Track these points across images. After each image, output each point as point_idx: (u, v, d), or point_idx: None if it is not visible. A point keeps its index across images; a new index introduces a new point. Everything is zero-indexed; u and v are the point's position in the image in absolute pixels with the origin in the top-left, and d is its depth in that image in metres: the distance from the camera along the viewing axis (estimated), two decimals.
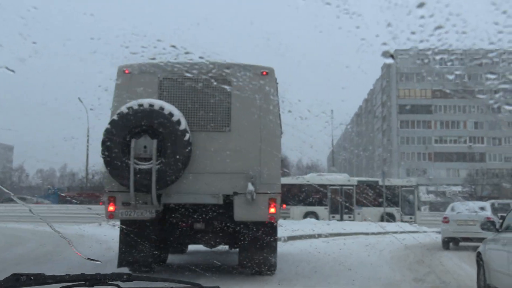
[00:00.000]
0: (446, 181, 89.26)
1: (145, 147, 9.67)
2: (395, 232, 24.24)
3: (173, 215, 10.47)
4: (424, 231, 29.77)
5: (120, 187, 9.84)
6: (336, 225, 29.13)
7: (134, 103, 9.66)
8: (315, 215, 36.81)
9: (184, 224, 10.67)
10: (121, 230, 10.60)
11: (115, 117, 9.65)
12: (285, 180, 38.77)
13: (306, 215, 36.81)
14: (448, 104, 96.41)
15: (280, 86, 10.95)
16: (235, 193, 10.07)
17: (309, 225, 26.55)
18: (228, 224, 10.38)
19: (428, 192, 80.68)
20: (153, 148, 9.59)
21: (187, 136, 9.71)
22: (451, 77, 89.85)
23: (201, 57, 10.18)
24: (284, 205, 10.80)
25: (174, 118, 9.64)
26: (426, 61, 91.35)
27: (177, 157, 9.65)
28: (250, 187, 9.90)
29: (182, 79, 10.20)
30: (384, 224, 30.10)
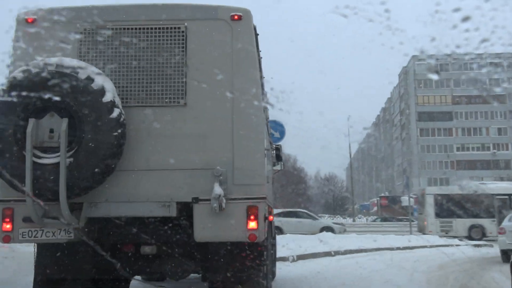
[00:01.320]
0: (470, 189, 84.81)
1: (51, 130, 6.11)
2: None
3: (107, 234, 6.87)
4: None
5: (21, 194, 6.24)
6: None
7: (33, 65, 6.13)
8: (481, 229, 34.91)
9: (126, 248, 7.04)
10: (37, 254, 7.08)
11: (4, 86, 6.13)
12: (446, 190, 38.11)
13: (471, 228, 34.99)
14: (469, 110, 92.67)
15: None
16: (195, 200, 6.44)
17: None
18: (191, 246, 6.78)
19: None
20: (61, 132, 6.05)
21: (116, 112, 6.14)
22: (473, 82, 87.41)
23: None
24: (271, 217, 7.26)
25: (95, 85, 6.10)
26: (446, 69, 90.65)
27: (100, 144, 6.09)
28: (217, 190, 6.30)
29: (113, 31, 6.63)
30: None
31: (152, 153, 6.48)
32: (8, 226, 6.44)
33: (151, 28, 6.59)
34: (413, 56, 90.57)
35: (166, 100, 6.54)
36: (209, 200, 6.26)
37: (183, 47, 6.55)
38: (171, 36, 6.57)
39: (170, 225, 6.64)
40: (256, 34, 6.89)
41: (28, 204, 6.06)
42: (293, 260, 16.94)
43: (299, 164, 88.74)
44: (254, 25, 6.76)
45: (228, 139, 6.43)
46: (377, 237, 28.07)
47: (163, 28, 6.57)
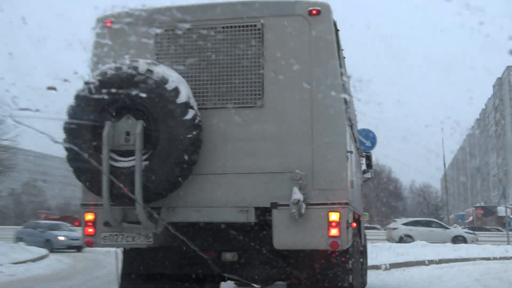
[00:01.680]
0: None
1: (127, 133, 5.66)
2: None
3: (188, 239, 6.33)
4: None
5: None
6: None
7: (109, 67, 5.71)
8: None
9: (207, 254, 6.46)
10: (124, 260, 6.72)
11: (82, 89, 5.74)
12: None
13: None
14: None
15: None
16: (274, 205, 5.78)
17: None
18: (272, 252, 6.12)
19: None
20: (136, 134, 5.58)
21: (191, 113, 5.61)
22: None
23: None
24: (355, 224, 6.52)
25: (169, 86, 5.60)
26: None
27: (175, 147, 5.57)
28: (297, 194, 5.62)
29: (189, 31, 6.12)
30: None
31: (229, 157, 5.93)
32: (90, 230, 6.12)
33: (227, 27, 6.07)
34: (508, 67, 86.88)
35: (243, 102, 5.93)
36: (288, 205, 5.62)
37: (259, 46, 5.93)
38: (247, 34, 6.02)
39: (249, 231, 6.01)
40: (337, 30, 6.13)
41: (105, 209, 5.65)
42: (386, 269, 15.91)
43: (393, 174, 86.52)
44: (334, 21, 6.05)
45: (307, 141, 5.77)
46: (473, 246, 26.30)
47: (239, 26, 6.03)
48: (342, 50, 6.82)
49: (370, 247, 21.70)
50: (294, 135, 5.87)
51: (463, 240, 32.59)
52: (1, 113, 14.57)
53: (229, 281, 7.17)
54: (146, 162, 5.59)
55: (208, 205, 5.92)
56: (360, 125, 16.29)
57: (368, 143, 17.61)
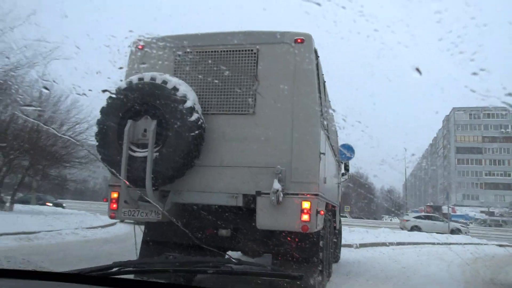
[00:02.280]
0: (494, 204, 76.93)
1: (145, 130, 4.93)
2: None
3: (191, 218, 5.54)
4: None
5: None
6: None
7: (134, 78, 5.04)
8: None
9: (208, 231, 5.65)
10: (144, 232, 5.88)
11: (113, 93, 5.05)
12: None
13: None
14: (495, 147, 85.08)
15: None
16: (258, 193, 4.96)
17: None
18: (256, 232, 5.27)
19: (481, 212, 71.01)
20: (150, 131, 4.84)
21: (195, 116, 4.86)
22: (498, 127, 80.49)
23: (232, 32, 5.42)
24: (322, 211, 5.57)
25: (179, 94, 4.87)
26: (476, 116, 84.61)
27: (180, 142, 4.82)
28: (276, 185, 4.80)
29: (200, 53, 5.41)
30: None
31: (226, 153, 5.09)
32: (114, 206, 5.29)
33: (230, 51, 5.27)
34: (453, 108, 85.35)
35: (239, 109, 5.12)
36: (269, 193, 4.73)
37: (254, 66, 5.13)
38: (245, 57, 5.21)
39: (240, 213, 5.17)
40: (317, 56, 5.31)
41: (122, 189, 4.88)
42: (356, 247, 14.85)
43: (369, 180, 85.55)
44: (315, 48, 5.21)
45: (288, 143, 4.91)
46: (423, 234, 24.96)
47: (239, 51, 5.22)
48: (323, 74, 5.98)
49: (347, 230, 20.73)
50: (277, 138, 5.05)
51: (459, 231, 30.50)
52: None
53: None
54: (157, 153, 4.82)
55: (207, 191, 5.11)
56: (344, 140, 15.42)
57: (348, 154, 16.63)
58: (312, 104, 5.02)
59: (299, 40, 5.15)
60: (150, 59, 5.52)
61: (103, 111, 5.04)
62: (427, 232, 26.22)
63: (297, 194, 4.84)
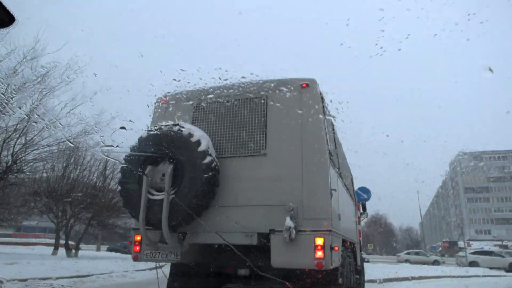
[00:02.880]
0: (506, 237, 70.59)
1: (163, 174, 4.39)
2: None
3: (209, 258, 4.83)
4: None
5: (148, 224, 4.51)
6: None
7: (155, 127, 4.60)
8: None
9: (227, 270, 4.90)
10: (170, 273, 5.21)
11: (135, 142, 4.62)
12: None
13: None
14: (501, 186, 79.54)
15: None
16: (272, 231, 4.23)
17: None
18: (274, 270, 4.47)
19: (494, 245, 65.73)
20: (166, 174, 4.31)
21: (208, 159, 4.31)
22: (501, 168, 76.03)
23: (243, 77, 4.97)
24: (337, 247, 4.53)
25: (193, 139, 4.37)
26: (480, 160, 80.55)
27: (195, 183, 4.24)
28: (288, 222, 4.08)
29: (215, 103, 4.96)
30: None
31: (239, 193, 4.44)
32: (137, 248, 4.65)
33: (242, 99, 4.80)
34: (458, 153, 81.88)
35: (251, 151, 4.53)
36: (282, 231, 3.99)
37: (264, 112, 4.60)
38: (255, 104, 4.71)
39: (256, 252, 4.43)
40: (323, 99, 4.75)
41: (141, 232, 4.28)
42: (380, 282, 13.33)
43: (388, 220, 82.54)
44: (320, 92, 4.65)
45: (298, 182, 4.24)
46: (443, 268, 22.60)
47: (250, 99, 4.74)
48: (333, 117, 5.36)
49: (370, 266, 19.00)
50: (289, 176, 4.39)
51: (476, 264, 26.42)
52: None
53: None
54: (173, 195, 4.26)
55: (222, 230, 4.43)
56: (361, 184, 14.51)
57: (365, 196, 15.57)
58: (320, 144, 4.39)
59: (304, 85, 4.63)
60: (171, 111, 5.13)
61: (125, 158, 4.60)
62: (484, 267, 22.75)
63: (310, 231, 4.09)
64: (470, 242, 59.24)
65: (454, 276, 17.61)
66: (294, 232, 4.02)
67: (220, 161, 4.57)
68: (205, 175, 4.23)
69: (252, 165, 4.54)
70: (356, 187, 16.65)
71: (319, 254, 3.96)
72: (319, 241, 4.00)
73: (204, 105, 5.01)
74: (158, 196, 4.33)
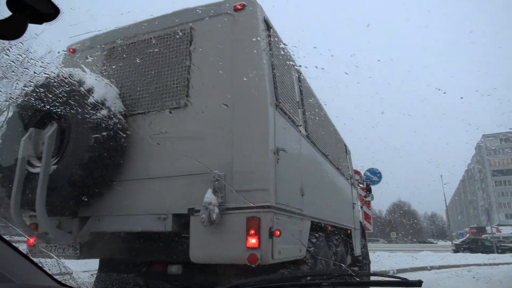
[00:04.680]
0: None
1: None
2: None
3: (128, 251, 3.60)
4: None
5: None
6: None
7: (43, 76, 3.37)
8: None
9: (154, 267, 3.66)
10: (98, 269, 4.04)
11: (18, 98, 3.43)
12: None
13: None
14: None
15: None
16: (191, 211, 2.94)
17: None
18: (216, 267, 3.19)
19: None
20: (45, 137, 3.08)
21: (102, 113, 3.07)
22: None
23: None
24: (278, 232, 2.77)
25: (84, 87, 3.13)
26: (507, 141, 76.34)
27: (81, 148, 3.00)
28: (209, 197, 2.78)
29: (128, 46, 3.68)
30: None
31: (153, 161, 3.15)
32: (32, 241, 3.51)
33: (160, 37, 3.46)
34: (483, 135, 78.03)
35: (168, 104, 3.24)
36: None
37: (186, 51, 3.28)
38: (177, 41, 3.38)
39: (171, 241, 3.17)
40: (269, 27, 3.40)
41: (12, 215, 3.10)
42: (394, 273, 11.87)
43: (412, 207, 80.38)
44: (264, 17, 3.31)
45: (228, 141, 2.88)
46: (468, 256, 20.81)
47: (170, 35, 3.41)
48: (284, 45, 3.97)
49: (388, 255, 17.50)
50: (215, 134, 3.09)
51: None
52: None
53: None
54: (55, 167, 3.04)
55: (130, 213, 3.20)
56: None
57: (375, 178, 14.10)
58: (259, 86, 3.06)
59: (239, 6, 3.29)
60: (80, 61, 3.90)
61: (6, 121, 3.43)
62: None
63: (241, 208, 2.80)
64: (500, 228, 56.29)
65: (479, 265, 15.96)
66: (216, 211, 2.74)
67: (132, 120, 3.34)
68: (95, 135, 2.99)
69: (169, 121, 3.26)
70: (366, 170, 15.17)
71: (252, 241, 2.67)
72: (254, 222, 2.71)
73: (116, 49, 3.76)
74: (38, 169, 3.13)
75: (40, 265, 1.24)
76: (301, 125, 3.90)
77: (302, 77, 4.37)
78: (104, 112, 3.08)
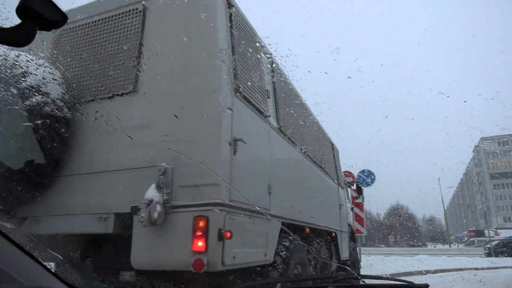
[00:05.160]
0: None
1: None
2: None
3: (75, 255, 3.21)
4: None
5: None
6: None
7: None
8: None
9: (108, 272, 3.28)
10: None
11: None
12: None
13: None
14: None
15: None
16: (134, 210, 2.56)
17: None
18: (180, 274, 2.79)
19: None
20: None
21: (36, 99, 2.69)
22: None
23: None
24: (228, 233, 2.35)
25: (18, 71, 2.76)
26: (506, 144, 76.06)
27: (7, 138, 2.63)
28: (150, 193, 2.40)
29: (78, 29, 3.31)
30: None
31: (95, 153, 2.77)
32: None
33: (110, 18, 3.08)
34: (481, 138, 77.70)
35: (116, 89, 2.87)
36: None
37: (138, 32, 2.91)
38: (129, 22, 3.00)
39: (118, 244, 2.79)
40: (231, 5, 3.05)
41: None
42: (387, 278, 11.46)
43: (410, 210, 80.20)
44: None
45: (176, 129, 2.51)
46: (468, 259, 20.36)
47: (121, 15, 3.04)
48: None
49: (383, 259, 17.08)
50: (164, 122, 2.73)
51: None
52: None
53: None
54: None
55: (69, 213, 2.83)
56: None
57: (368, 180, 13.73)
58: (214, 69, 2.70)
59: None
60: (32, 47, 3.54)
61: None
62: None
63: (188, 206, 2.43)
64: (499, 231, 55.97)
65: (477, 268, 15.55)
66: (158, 209, 2.37)
67: (75, 108, 2.97)
68: (25, 124, 2.62)
69: (116, 109, 2.90)
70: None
71: (198, 244, 2.30)
72: (200, 222, 2.34)
73: (65, 32, 3.40)
74: None
75: (48, 266, 1.21)
76: (269, 116, 3.53)
77: (276, 67, 4.02)
78: (37, 98, 2.72)
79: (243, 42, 3.16)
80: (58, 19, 0.86)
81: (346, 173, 12.80)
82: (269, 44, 3.82)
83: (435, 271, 13.93)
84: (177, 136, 2.60)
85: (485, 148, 79.78)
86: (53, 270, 1.33)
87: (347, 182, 10.01)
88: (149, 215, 2.34)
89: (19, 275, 1.03)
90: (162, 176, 2.47)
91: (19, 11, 0.79)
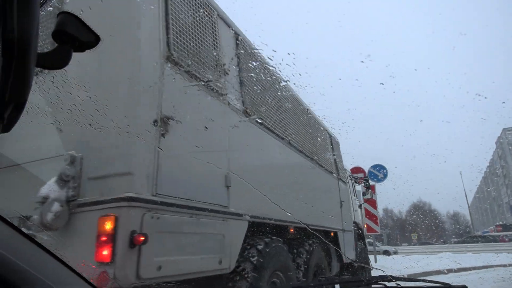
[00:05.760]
0: None
1: None
2: None
3: None
4: None
5: None
6: None
7: None
8: None
9: None
10: None
11: None
12: None
13: None
14: None
15: None
16: (27, 216, 2.02)
17: None
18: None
19: None
20: None
21: None
22: None
23: None
24: (142, 237, 1.75)
25: None
26: None
27: None
28: (48, 188, 1.85)
29: None
30: None
31: (28, 141, 2.26)
32: None
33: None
34: (504, 129, 74.81)
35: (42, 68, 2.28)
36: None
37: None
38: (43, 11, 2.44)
39: None
40: None
41: None
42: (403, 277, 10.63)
43: (433, 207, 77.92)
44: None
45: (87, 114, 1.94)
46: (495, 256, 19.13)
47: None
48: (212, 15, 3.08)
49: (402, 258, 16.19)
50: (80, 104, 2.18)
51: None
52: None
53: None
54: None
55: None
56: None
57: (381, 176, 12.94)
58: (132, 26, 2.14)
59: None
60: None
61: None
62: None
63: (94, 203, 1.87)
64: None
65: (505, 265, 14.48)
66: (55, 208, 1.81)
67: None
68: None
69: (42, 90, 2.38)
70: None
71: (103, 253, 1.73)
72: (106, 223, 1.77)
73: None
74: None
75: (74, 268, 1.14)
76: (226, 94, 2.93)
77: (241, 42, 3.43)
78: None
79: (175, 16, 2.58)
80: (91, 40, 0.85)
81: (356, 168, 12.07)
82: (293, 54, 3.29)
83: (459, 270, 12.98)
84: (89, 116, 2.05)
85: (508, 139, 76.83)
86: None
87: (357, 178, 9.30)
88: (42, 217, 1.79)
89: (48, 278, 1.02)
90: (68, 168, 1.93)
91: (55, 35, 0.77)
